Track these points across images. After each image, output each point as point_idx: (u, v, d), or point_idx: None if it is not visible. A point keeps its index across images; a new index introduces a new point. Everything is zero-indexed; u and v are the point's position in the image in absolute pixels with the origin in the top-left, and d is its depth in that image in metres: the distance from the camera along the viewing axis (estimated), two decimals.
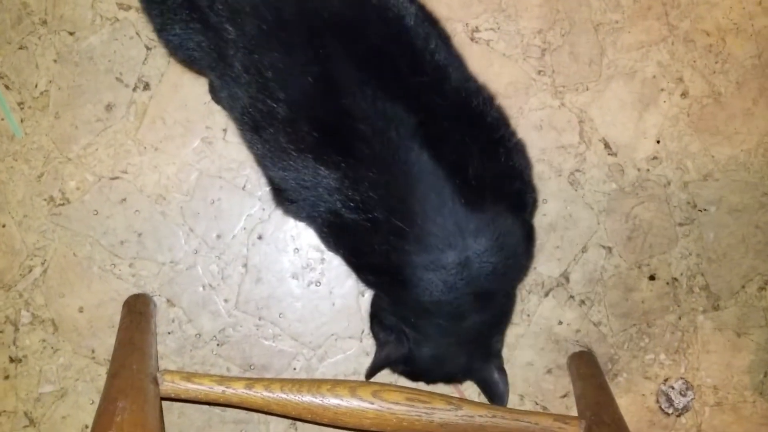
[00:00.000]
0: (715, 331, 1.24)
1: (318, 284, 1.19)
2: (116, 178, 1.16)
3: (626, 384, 1.23)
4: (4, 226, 1.15)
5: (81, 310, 1.17)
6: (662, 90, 1.21)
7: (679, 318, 1.23)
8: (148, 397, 0.84)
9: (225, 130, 1.16)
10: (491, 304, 1.00)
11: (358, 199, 0.89)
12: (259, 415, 1.19)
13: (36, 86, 1.15)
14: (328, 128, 0.88)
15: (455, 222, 0.90)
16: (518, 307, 1.20)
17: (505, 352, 1.20)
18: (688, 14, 1.21)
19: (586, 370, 1.13)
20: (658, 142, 1.21)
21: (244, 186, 1.17)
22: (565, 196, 1.21)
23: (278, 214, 1.17)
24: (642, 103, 1.21)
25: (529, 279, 1.20)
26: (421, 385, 1.14)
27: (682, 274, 1.23)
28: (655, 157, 1.21)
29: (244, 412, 1.18)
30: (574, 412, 1.10)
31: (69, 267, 1.16)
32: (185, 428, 1.19)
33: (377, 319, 1.07)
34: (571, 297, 1.22)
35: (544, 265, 1.21)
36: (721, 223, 1.23)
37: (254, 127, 0.92)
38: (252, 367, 1.19)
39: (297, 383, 0.94)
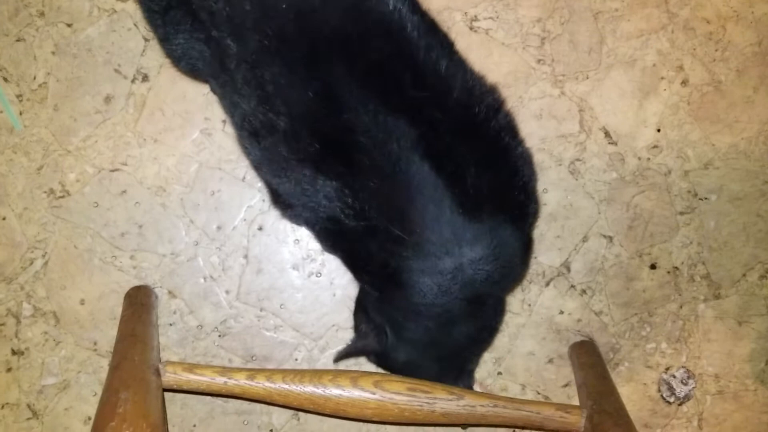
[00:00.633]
0: (716, 319, 1.24)
1: (319, 275, 1.19)
2: (116, 170, 1.16)
3: (628, 373, 1.23)
4: (4, 218, 1.15)
5: (82, 302, 1.17)
6: (662, 78, 1.21)
7: (680, 307, 1.23)
8: (150, 388, 0.84)
9: (224, 122, 1.16)
10: (480, 313, 1.00)
11: (358, 207, 0.90)
12: (262, 405, 1.19)
13: (34, 78, 1.14)
14: (329, 140, 0.88)
15: (452, 231, 0.90)
16: (519, 296, 1.21)
17: (507, 342, 1.20)
18: (688, 2, 1.20)
19: (588, 359, 1.13)
20: (659, 130, 1.21)
21: (244, 177, 1.17)
22: (565, 185, 1.20)
23: None
24: (642, 91, 1.21)
25: (531, 269, 1.20)
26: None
27: (683, 263, 1.23)
28: (655, 146, 1.21)
29: (247, 403, 1.18)
30: (576, 402, 1.10)
31: (70, 259, 1.16)
32: (188, 419, 1.19)
33: (362, 308, 1.07)
34: (572, 286, 1.22)
35: (544, 255, 1.21)
36: (722, 211, 1.23)
37: (254, 135, 0.92)
38: (254, 358, 1.19)
39: (299, 374, 0.94)
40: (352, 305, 1.19)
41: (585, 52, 1.20)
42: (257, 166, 0.98)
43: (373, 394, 0.93)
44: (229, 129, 1.16)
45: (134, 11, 1.15)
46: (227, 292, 1.18)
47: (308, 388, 0.93)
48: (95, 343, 1.17)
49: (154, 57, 1.15)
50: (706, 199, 1.22)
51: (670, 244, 1.22)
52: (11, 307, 1.16)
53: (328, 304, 1.20)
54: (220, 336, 1.19)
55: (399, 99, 0.87)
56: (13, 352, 1.17)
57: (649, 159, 1.21)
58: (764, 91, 1.22)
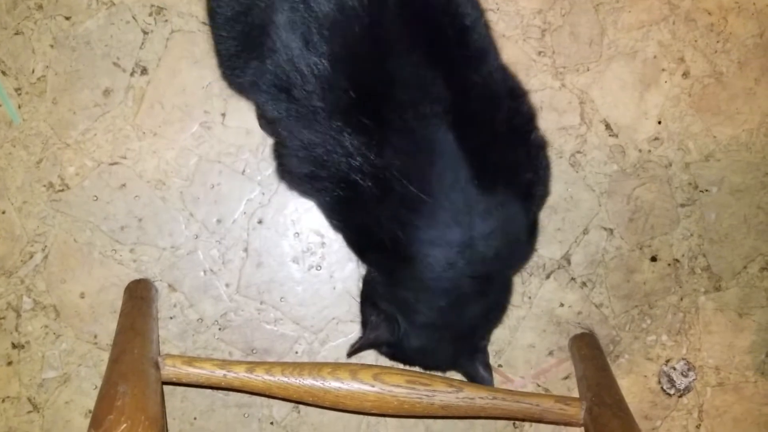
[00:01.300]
0: (716, 311, 1.23)
1: (319, 268, 1.19)
2: (115, 163, 1.16)
3: (628, 365, 1.23)
4: (3, 212, 1.15)
5: (82, 295, 1.17)
6: (663, 70, 1.20)
7: (681, 299, 1.23)
8: (149, 382, 0.84)
9: (223, 115, 1.16)
10: (490, 290, 1.01)
11: (380, 165, 0.89)
12: (262, 398, 1.19)
13: (33, 72, 1.14)
14: (365, 91, 0.88)
15: (465, 201, 0.91)
16: (519, 289, 1.20)
17: (507, 335, 1.20)
18: None
19: (588, 351, 1.13)
20: (660, 122, 1.21)
21: (244, 170, 1.17)
22: (566, 177, 1.20)
23: (278, 198, 1.17)
24: (643, 83, 1.20)
25: (531, 261, 1.20)
26: None
27: (683, 255, 1.22)
28: (656, 138, 1.21)
29: (247, 396, 1.18)
30: (576, 394, 1.10)
31: (70, 253, 1.16)
32: (188, 412, 1.20)
33: (370, 300, 1.07)
34: (573, 279, 1.21)
35: (545, 248, 1.21)
36: (723, 203, 1.22)
37: (285, 87, 0.90)
38: (254, 351, 1.19)
39: (298, 366, 0.94)
40: (351, 298, 1.19)
41: (586, 44, 1.20)
42: (282, 123, 0.95)
43: (372, 386, 0.93)
44: (229, 122, 1.16)
45: (132, 4, 1.14)
46: (227, 285, 1.18)
47: (307, 381, 0.93)
48: (95, 337, 1.17)
49: (153, 50, 1.15)
50: (706, 191, 1.22)
51: (670, 236, 1.22)
52: (11, 301, 1.17)
53: (329, 297, 1.20)
54: (220, 329, 1.19)
55: (442, 52, 0.87)
56: (14, 346, 1.17)
57: (649, 151, 1.21)
58: (766, 82, 1.21)
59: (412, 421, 1.22)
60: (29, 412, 1.18)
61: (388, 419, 1.22)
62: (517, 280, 1.14)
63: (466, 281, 0.97)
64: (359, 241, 1.04)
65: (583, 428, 0.98)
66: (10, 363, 1.17)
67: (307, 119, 0.91)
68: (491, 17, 1.18)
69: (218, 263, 1.18)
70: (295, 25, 0.86)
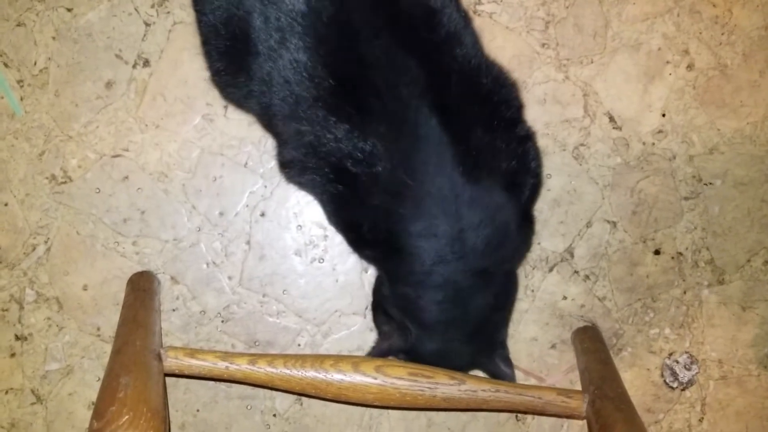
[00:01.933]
0: (720, 305, 1.23)
1: (321, 261, 1.19)
2: (118, 155, 1.16)
3: (631, 358, 1.23)
4: (6, 204, 1.15)
5: (85, 288, 1.17)
6: (668, 62, 1.20)
7: (684, 292, 1.22)
8: (151, 373, 0.84)
9: (226, 107, 1.15)
10: (491, 284, 1.01)
11: (367, 150, 0.90)
12: (265, 390, 1.20)
13: (35, 64, 1.14)
14: (342, 76, 0.89)
15: (451, 188, 0.92)
16: (522, 282, 1.20)
17: (510, 328, 1.20)
18: None
19: (591, 344, 1.13)
20: (664, 115, 1.20)
21: (246, 163, 1.17)
22: (569, 170, 1.20)
23: (280, 191, 1.17)
24: (647, 75, 1.20)
25: (534, 254, 1.20)
26: None
27: (687, 249, 1.22)
28: (660, 131, 1.20)
29: (250, 387, 1.18)
30: (579, 387, 1.10)
31: (72, 245, 1.16)
32: (191, 404, 1.20)
33: (381, 309, 1.08)
34: (576, 272, 1.21)
35: (548, 241, 1.20)
36: (727, 196, 1.22)
37: (271, 85, 0.93)
38: (257, 344, 1.20)
39: (300, 359, 0.94)
40: (354, 291, 1.20)
41: (590, 36, 1.19)
42: (276, 115, 0.97)
43: (375, 378, 0.93)
44: (231, 114, 1.16)
45: None
46: (230, 277, 1.18)
47: (310, 373, 0.93)
48: (98, 329, 1.18)
49: (155, 42, 1.15)
50: (710, 184, 1.22)
51: (674, 229, 1.22)
52: (14, 293, 1.17)
53: (331, 290, 1.20)
54: (222, 321, 1.19)
55: (411, 36, 0.89)
56: (17, 338, 1.17)
57: (653, 144, 1.20)
58: None
59: (415, 413, 1.22)
60: (32, 403, 1.19)
61: (390, 411, 1.22)
62: (519, 272, 1.14)
63: (461, 275, 0.97)
64: (355, 238, 1.04)
65: (585, 421, 0.98)
66: (13, 355, 1.18)
67: (294, 111, 0.92)
68: (494, 9, 1.17)
69: (221, 256, 1.18)
70: (270, 25, 0.89)
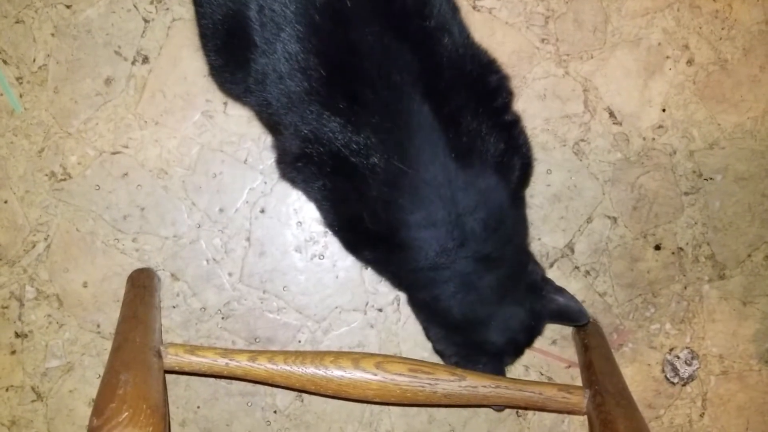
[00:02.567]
0: (720, 300, 1.23)
1: (321, 257, 1.19)
2: (117, 152, 1.15)
3: (632, 354, 1.23)
4: (6, 201, 1.15)
5: (85, 285, 1.17)
6: (668, 57, 1.19)
7: (685, 287, 1.22)
8: (151, 370, 0.84)
9: (225, 104, 1.15)
10: (498, 263, 1.00)
11: (361, 142, 0.91)
12: (266, 387, 1.20)
13: (34, 60, 1.14)
14: (333, 64, 0.89)
15: (445, 174, 0.92)
16: None
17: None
18: None
19: (591, 340, 1.13)
20: (664, 110, 1.20)
21: (246, 159, 1.17)
22: (569, 166, 1.20)
23: (280, 187, 1.17)
24: (647, 71, 1.19)
25: (534, 250, 1.20)
26: (427, 356, 1.15)
27: (687, 244, 1.22)
28: (660, 126, 1.20)
29: (251, 384, 1.18)
30: (579, 383, 1.10)
31: (72, 242, 1.16)
32: (192, 401, 1.20)
33: (439, 352, 1.09)
34: (576, 268, 1.21)
35: (548, 236, 1.20)
36: (727, 191, 1.22)
37: (268, 79, 0.93)
38: (257, 340, 1.19)
39: (300, 355, 0.94)
40: (354, 287, 1.20)
41: (589, 31, 1.19)
42: (276, 113, 0.97)
43: (375, 375, 0.93)
44: (231, 111, 1.15)
45: None
46: (230, 274, 1.18)
47: (310, 370, 0.93)
48: (98, 326, 1.18)
49: (155, 38, 1.14)
50: (711, 179, 1.21)
51: (674, 224, 1.21)
52: (14, 290, 1.17)
53: (331, 286, 1.20)
54: (223, 318, 1.19)
55: (403, 23, 0.89)
56: (17, 335, 1.17)
57: (654, 139, 1.20)
58: None
59: (416, 409, 1.22)
60: (33, 401, 1.19)
61: (391, 408, 1.22)
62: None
63: (463, 263, 0.96)
64: (354, 236, 1.04)
65: (586, 417, 0.98)
66: (13, 352, 1.18)
67: (289, 106, 0.93)
68: (494, 4, 1.17)
69: (221, 252, 1.18)
70: (265, 17, 0.89)
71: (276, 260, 1.19)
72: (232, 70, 0.98)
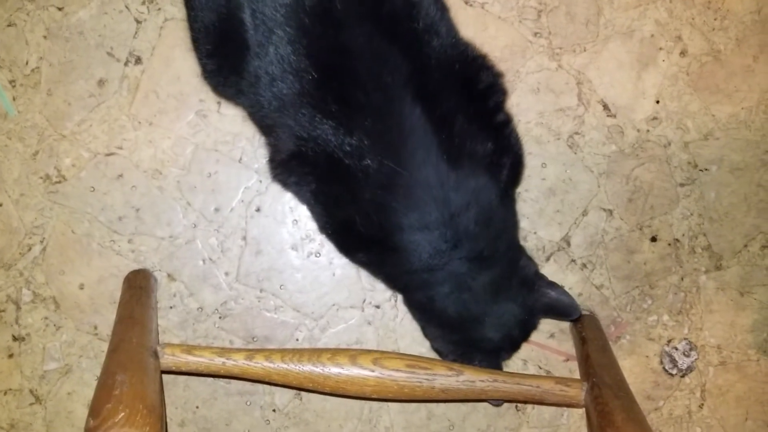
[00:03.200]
0: (717, 291, 1.23)
1: (318, 255, 1.19)
2: (112, 154, 1.15)
3: (630, 346, 1.23)
4: (1, 205, 1.15)
5: (82, 287, 1.17)
6: (661, 49, 1.19)
7: (682, 279, 1.22)
8: (147, 371, 0.84)
9: (219, 103, 1.15)
10: (491, 263, 1.00)
11: (354, 144, 0.91)
12: (264, 386, 1.20)
13: (27, 63, 1.14)
14: (326, 67, 0.89)
15: (437, 176, 0.92)
16: None
17: None
18: None
19: (588, 333, 1.13)
20: (658, 102, 1.20)
21: (240, 158, 1.17)
22: (564, 159, 1.19)
23: (276, 186, 1.16)
24: (640, 62, 1.19)
25: (530, 244, 1.20)
26: (425, 351, 1.15)
27: (683, 235, 1.22)
28: (654, 118, 1.20)
29: (250, 383, 1.18)
30: (578, 376, 1.10)
31: (68, 244, 1.16)
32: (191, 401, 1.20)
33: (443, 355, 1.09)
34: (573, 261, 1.21)
35: (544, 230, 1.20)
36: (723, 182, 1.22)
37: (260, 82, 0.93)
38: (255, 339, 1.19)
39: (297, 353, 0.94)
40: (351, 284, 1.20)
41: (582, 24, 1.19)
42: (260, 113, 0.98)
43: (372, 371, 0.93)
44: (225, 110, 1.15)
45: None
46: (227, 273, 1.18)
47: (307, 367, 0.93)
48: (96, 328, 1.18)
49: (147, 39, 1.14)
50: (706, 170, 1.21)
51: (670, 216, 1.21)
52: (11, 294, 1.17)
53: (328, 284, 1.20)
54: (220, 318, 1.19)
55: (393, 25, 0.90)
56: (14, 338, 1.17)
57: (648, 131, 1.20)
58: (764, 59, 1.20)
59: (414, 405, 1.22)
60: (31, 404, 1.19)
61: (390, 404, 1.22)
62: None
63: (457, 264, 0.97)
64: (347, 240, 1.04)
65: (584, 409, 0.98)
66: (11, 355, 1.18)
67: (281, 109, 0.93)
68: None
69: (217, 252, 1.18)
70: (257, 20, 0.89)
71: (272, 259, 1.19)
72: (226, 74, 0.98)
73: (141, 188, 1.16)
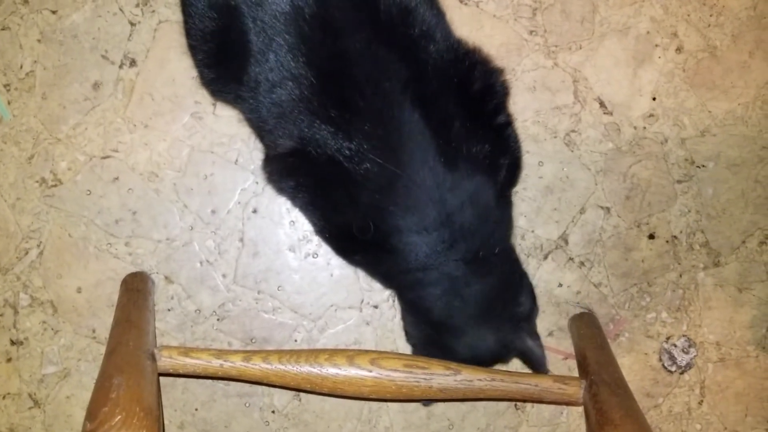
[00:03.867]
0: (716, 287, 1.23)
1: (315, 256, 1.19)
2: (107, 157, 1.15)
3: (628, 343, 1.23)
4: None
5: (79, 290, 1.17)
6: (656, 46, 1.19)
7: (680, 276, 1.22)
8: (144, 373, 0.84)
9: (214, 105, 1.15)
10: (488, 271, 1.00)
11: (353, 148, 0.91)
12: (263, 387, 1.20)
13: (21, 67, 1.13)
14: (325, 73, 0.90)
15: (434, 179, 0.93)
16: None
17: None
18: None
19: (587, 330, 1.12)
20: (654, 99, 1.20)
21: (236, 160, 1.16)
22: (561, 157, 1.19)
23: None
24: (636, 60, 1.19)
25: (528, 242, 1.20)
26: None
27: (681, 232, 1.22)
28: (651, 115, 1.20)
29: (248, 385, 1.18)
30: (576, 374, 1.10)
31: (65, 248, 1.16)
32: (190, 403, 1.20)
33: (411, 337, 1.11)
34: (571, 259, 1.21)
35: (542, 228, 1.20)
36: (720, 178, 1.21)
37: (261, 89, 0.94)
38: (253, 341, 1.19)
39: (295, 354, 0.94)
40: (349, 285, 1.19)
41: (578, 22, 1.18)
42: (259, 119, 0.98)
43: (370, 371, 0.93)
44: (220, 112, 1.15)
45: None
46: (224, 275, 1.18)
47: (304, 368, 0.92)
48: (94, 331, 1.17)
49: (141, 41, 1.14)
50: (703, 166, 1.21)
51: (668, 213, 1.21)
52: (8, 298, 1.16)
53: (326, 284, 1.20)
54: (218, 320, 1.19)
55: (389, 32, 0.91)
56: (12, 343, 1.17)
57: (645, 128, 1.20)
58: (760, 55, 1.20)
59: (414, 405, 1.22)
60: (30, 408, 1.18)
61: (389, 404, 1.22)
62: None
63: (453, 265, 0.97)
64: (344, 243, 1.05)
65: (582, 407, 0.98)
66: (9, 360, 1.17)
67: (281, 115, 0.94)
68: None
69: (214, 254, 1.18)
70: (257, 28, 0.90)
71: (270, 260, 1.19)
72: (225, 81, 0.99)
73: (137, 191, 1.16)
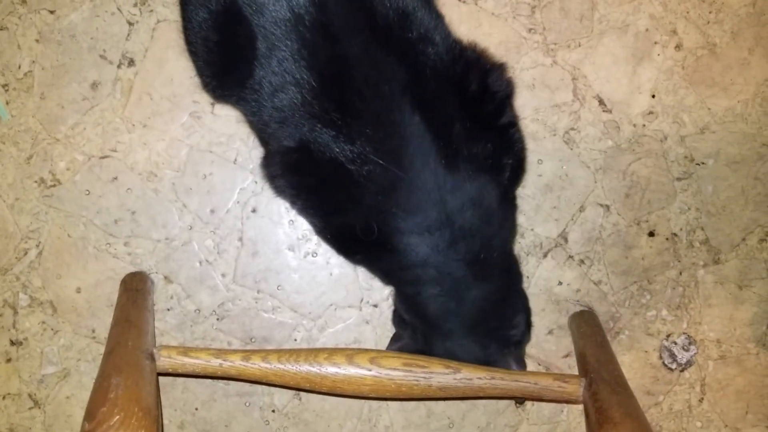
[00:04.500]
0: (716, 284, 1.23)
1: (315, 255, 1.19)
2: (106, 156, 1.15)
3: (629, 341, 1.23)
4: None
5: (79, 290, 1.17)
6: (656, 43, 1.19)
7: (680, 273, 1.22)
8: (143, 373, 0.84)
9: (213, 104, 1.15)
10: (487, 275, 1.00)
11: (355, 151, 0.92)
12: (263, 387, 1.20)
13: (19, 67, 1.13)
14: (326, 77, 0.91)
15: (435, 181, 0.93)
16: None
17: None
18: None
19: (587, 328, 1.12)
20: (653, 96, 1.19)
21: (235, 159, 1.16)
22: (560, 155, 1.19)
23: None
24: (635, 57, 1.19)
25: (528, 240, 1.20)
26: None
27: (681, 229, 1.21)
28: (650, 112, 1.20)
29: (248, 384, 1.18)
30: (576, 372, 1.10)
31: (64, 248, 1.16)
32: (190, 403, 1.20)
33: (397, 313, 1.10)
34: (570, 257, 1.21)
35: (541, 226, 1.20)
36: (720, 175, 1.21)
37: (263, 94, 0.94)
38: (253, 340, 1.19)
39: (294, 353, 0.93)
40: (349, 283, 1.19)
41: (576, 20, 1.18)
42: (261, 122, 0.99)
43: (369, 370, 0.93)
44: (219, 111, 1.15)
45: None
46: (223, 275, 1.18)
47: (304, 367, 0.92)
48: (93, 331, 1.17)
49: (139, 41, 1.14)
50: (703, 164, 1.21)
51: (668, 210, 1.21)
52: (7, 298, 1.16)
53: (326, 284, 1.20)
54: (218, 319, 1.19)
55: (388, 35, 0.91)
56: (12, 343, 1.17)
57: (644, 125, 1.20)
58: (759, 52, 1.20)
59: (414, 403, 1.22)
60: (30, 408, 1.18)
61: (389, 403, 1.22)
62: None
63: (454, 265, 0.97)
64: (345, 244, 1.05)
65: (582, 405, 0.98)
66: (9, 360, 1.17)
67: (282, 119, 0.94)
68: None
69: (213, 253, 1.18)
70: (259, 34, 0.91)
71: (269, 259, 1.19)
72: (228, 86, 0.99)
73: (136, 191, 1.16)
